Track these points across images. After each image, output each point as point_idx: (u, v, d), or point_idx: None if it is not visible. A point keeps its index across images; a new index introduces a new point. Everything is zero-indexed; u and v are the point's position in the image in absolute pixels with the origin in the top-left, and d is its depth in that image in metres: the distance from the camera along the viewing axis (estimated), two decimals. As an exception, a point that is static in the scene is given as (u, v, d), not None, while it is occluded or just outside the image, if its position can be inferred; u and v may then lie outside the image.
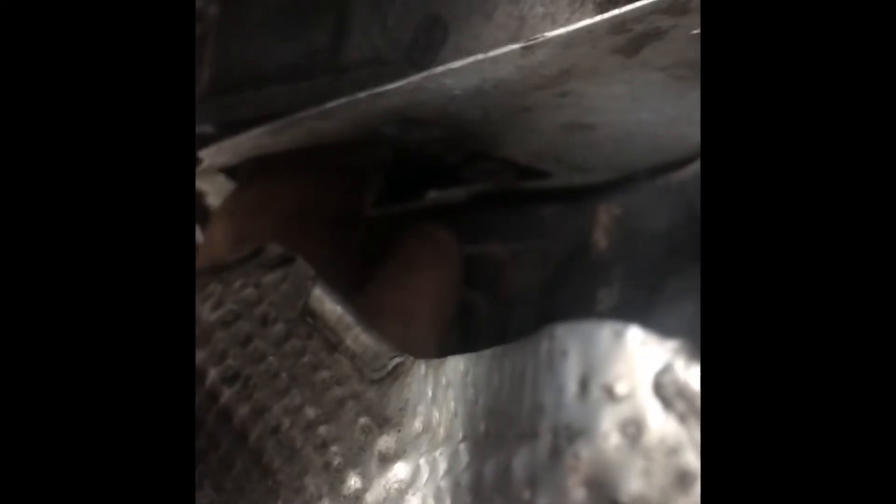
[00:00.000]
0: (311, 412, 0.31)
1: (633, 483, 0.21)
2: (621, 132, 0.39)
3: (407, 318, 0.40)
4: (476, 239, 0.47)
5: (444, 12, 0.32)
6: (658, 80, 0.33)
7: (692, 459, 0.21)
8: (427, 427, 0.28)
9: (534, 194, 0.46)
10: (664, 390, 0.22)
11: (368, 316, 0.32)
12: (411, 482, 0.28)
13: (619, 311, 0.42)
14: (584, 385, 0.23)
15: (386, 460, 0.29)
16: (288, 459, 0.30)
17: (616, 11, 0.28)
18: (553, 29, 0.29)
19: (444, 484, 0.26)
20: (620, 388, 0.22)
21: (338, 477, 0.29)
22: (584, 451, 0.22)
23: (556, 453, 0.23)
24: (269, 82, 0.38)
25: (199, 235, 0.45)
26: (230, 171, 0.44)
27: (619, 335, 0.22)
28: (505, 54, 0.30)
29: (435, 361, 0.29)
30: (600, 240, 0.44)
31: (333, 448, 0.30)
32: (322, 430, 0.30)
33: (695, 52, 0.29)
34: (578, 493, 0.22)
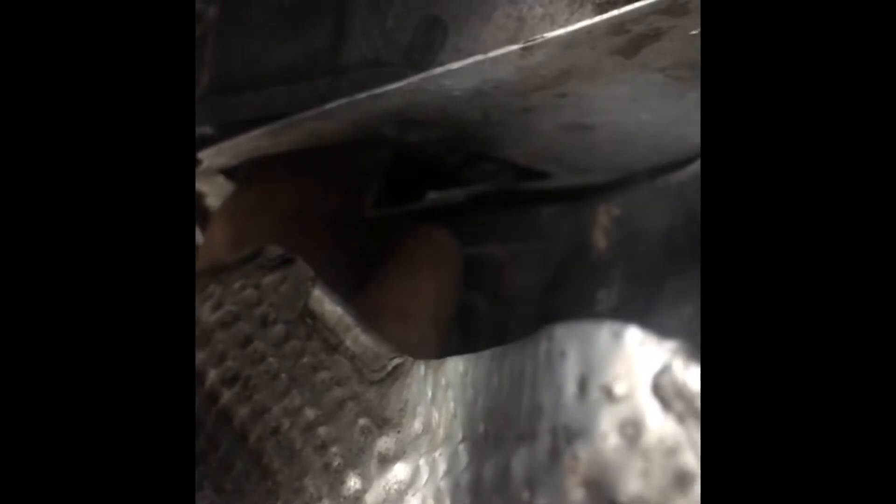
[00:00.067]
0: (310, 413, 0.31)
1: (631, 483, 0.21)
2: (621, 133, 0.39)
3: (407, 318, 0.40)
4: (476, 239, 0.47)
5: (443, 13, 0.32)
6: (657, 80, 0.33)
7: (691, 460, 0.21)
8: (426, 428, 0.28)
9: (533, 195, 0.46)
10: (663, 391, 0.22)
11: (368, 316, 0.32)
12: (411, 483, 0.28)
13: (618, 311, 0.42)
14: (583, 386, 0.23)
15: (385, 461, 0.29)
16: (287, 460, 0.30)
17: (615, 12, 0.28)
18: (552, 30, 0.29)
19: (443, 484, 0.26)
20: (619, 389, 0.22)
21: (337, 478, 0.29)
22: (583, 452, 0.22)
23: (554, 454, 0.23)
24: (269, 83, 0.38)
25: (199, 236, 0.45)
26: (230, 173, 0.44)
27: (617, 336, 0.22)
28: (504, 55, 0.30)
29: (434, 362, 0.29)
30: (600, 240, 0.44)
31: (333, 449, 0.30)
32: (322, 430, 0.30)
33: (694, 53, 0.29)
34: (577, 493, 0.22)
